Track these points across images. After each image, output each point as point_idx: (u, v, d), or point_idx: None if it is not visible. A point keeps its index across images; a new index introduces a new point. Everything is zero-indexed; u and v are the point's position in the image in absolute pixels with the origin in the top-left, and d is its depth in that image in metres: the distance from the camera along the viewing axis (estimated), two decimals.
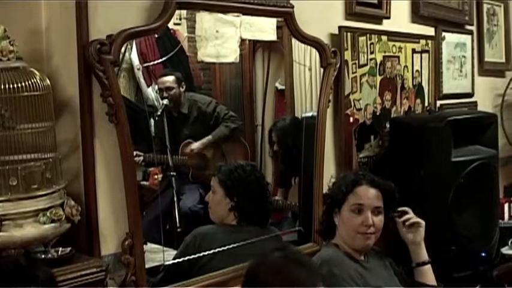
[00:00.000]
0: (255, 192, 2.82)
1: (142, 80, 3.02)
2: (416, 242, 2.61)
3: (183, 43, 3.07)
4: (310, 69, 3.22)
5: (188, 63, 3.20)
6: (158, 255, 2.60)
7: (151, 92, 3.09)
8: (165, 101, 3.06)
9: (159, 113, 3.04)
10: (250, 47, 3.31)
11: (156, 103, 3.09)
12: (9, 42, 2.04)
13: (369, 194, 2.47)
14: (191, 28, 2.98)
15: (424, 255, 2.62)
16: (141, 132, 2.71)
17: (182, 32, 3.03)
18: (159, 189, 2.99)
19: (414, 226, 2.60)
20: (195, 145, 3.18)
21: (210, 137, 3.21)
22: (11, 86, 1.97)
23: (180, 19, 2.92)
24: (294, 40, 3.08)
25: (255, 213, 2.81)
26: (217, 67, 3.27)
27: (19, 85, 1.98)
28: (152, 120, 3.01)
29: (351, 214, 2.46)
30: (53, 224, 2.02)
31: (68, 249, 2.13)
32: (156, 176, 3.06)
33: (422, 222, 2.61)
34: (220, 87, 3.39)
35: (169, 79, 3.10)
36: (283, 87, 3.38)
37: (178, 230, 2.92)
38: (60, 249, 2.13)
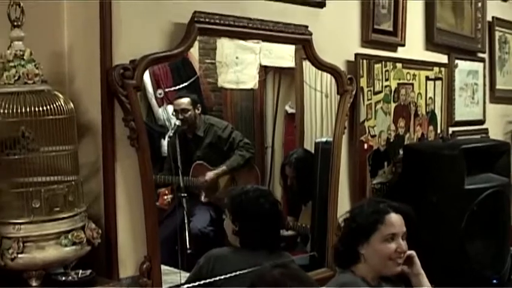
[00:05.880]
0: (259, 218, 2.74)
1: (154, 101, 3.03)
2: (415, 274, 2.56)
3: (194, 65, 3.08)
4: (326, 96, 3.24)
5: (199, 84, 3.20)
6: (169, 277, 2.58)
7: (162, 113, 3.10)
8: (178, 122, 3.06)
9: (171, 134, 3.04)
10: (262, 70, 3.33)
11: (167, 123, 3.10)
12: (35, 65, 2.05)
13: (398, 222, 2.46)
14: (203, 50, 3.00)
15: (427, 285, 2.56)
16: (152, 153, 2.71)
17: (194, 54, 3.03)
18: (169, 210, 2.99)
19: (408, 261, 2.53)
20: (209, 175, 3.18)
21: (224, 167, 3.21)
22: (36, 109, 1.98)
23: None
24: (305, 64, 3.10)
25: (259, 238, 2.75)
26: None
27: (44, 108, 1.99)
28: (164, 141, 3.02)
29: (384, 243, 2.44)
30: (74, 247, 2.03)
31: (88, 271, 2.14)
32: (165, 197, 3.06)
33: (413, 253, 2.54)
34: (231, 109, 3.40)
35: (185, 101, 3.12)
36: (293, 110, 3.39)
37: (189, 251, 2.90)
38: (80, 271, 2.13)
